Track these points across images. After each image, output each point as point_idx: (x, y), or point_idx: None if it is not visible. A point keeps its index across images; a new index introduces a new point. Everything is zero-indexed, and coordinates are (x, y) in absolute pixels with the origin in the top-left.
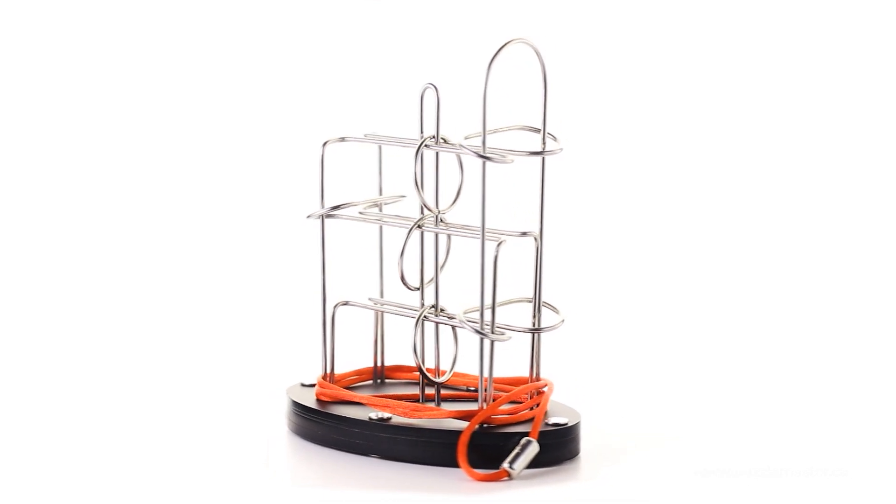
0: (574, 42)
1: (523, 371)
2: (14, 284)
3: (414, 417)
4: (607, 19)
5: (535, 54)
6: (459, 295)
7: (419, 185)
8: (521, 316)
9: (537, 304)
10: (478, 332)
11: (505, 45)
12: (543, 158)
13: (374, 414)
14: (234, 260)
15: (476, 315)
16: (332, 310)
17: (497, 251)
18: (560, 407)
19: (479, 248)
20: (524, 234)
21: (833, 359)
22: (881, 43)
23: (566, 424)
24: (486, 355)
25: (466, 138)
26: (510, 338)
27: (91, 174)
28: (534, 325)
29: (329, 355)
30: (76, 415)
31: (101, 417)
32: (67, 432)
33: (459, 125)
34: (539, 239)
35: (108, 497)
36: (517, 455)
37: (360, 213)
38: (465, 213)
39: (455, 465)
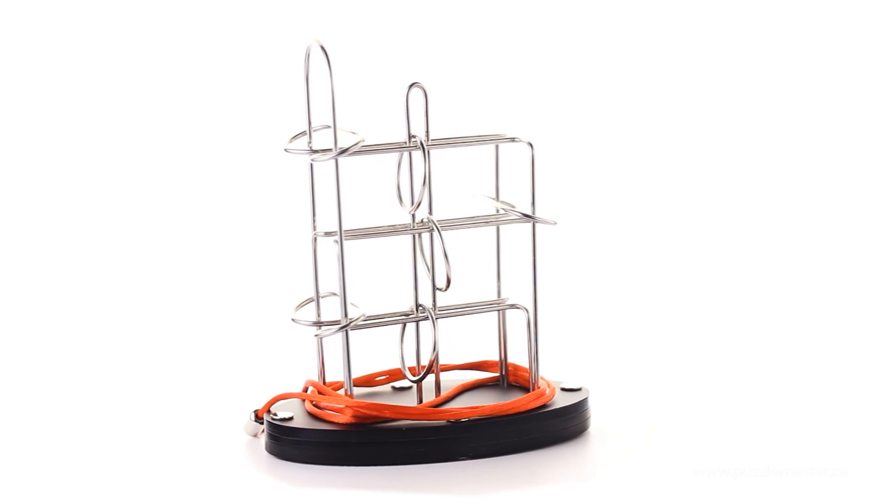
0: (572, 41)
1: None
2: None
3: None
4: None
5: (323, 54)
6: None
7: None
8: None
9: (344, 300)
10: (314, 323)
11: (307, 52)
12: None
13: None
14: (234, 257)
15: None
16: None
17: (314, 248)
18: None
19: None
20: (328, 234)
21: (833, 359)
22: (880, 43)
23: (290, 418)
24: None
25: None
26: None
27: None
28: (342, 322)
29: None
30: (74, 415)
31: (102, 418)
32: (66, 433)
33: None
34: (340, 241)
35: (107, 496)
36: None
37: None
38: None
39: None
